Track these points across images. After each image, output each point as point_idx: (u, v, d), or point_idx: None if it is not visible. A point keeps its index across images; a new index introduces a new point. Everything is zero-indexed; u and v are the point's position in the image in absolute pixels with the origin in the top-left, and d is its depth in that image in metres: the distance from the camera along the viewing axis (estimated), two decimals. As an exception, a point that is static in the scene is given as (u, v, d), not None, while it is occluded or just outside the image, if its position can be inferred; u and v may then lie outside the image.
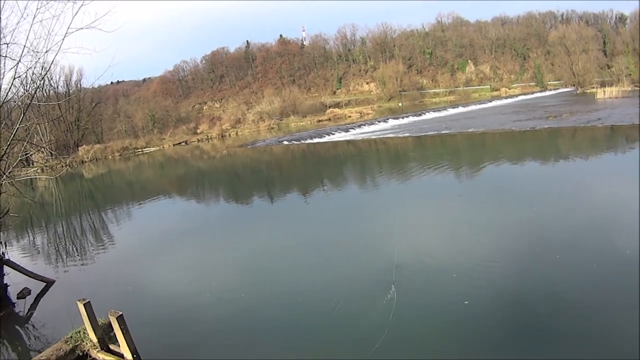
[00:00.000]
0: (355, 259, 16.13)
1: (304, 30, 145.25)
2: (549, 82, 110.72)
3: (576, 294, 11.79)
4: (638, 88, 74.34)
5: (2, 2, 14.33)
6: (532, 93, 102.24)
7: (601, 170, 26.78)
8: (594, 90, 77.58)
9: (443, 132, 52.54)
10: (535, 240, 15.67)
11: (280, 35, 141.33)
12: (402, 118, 72.46)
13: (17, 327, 14.28)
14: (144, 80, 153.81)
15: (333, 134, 62.57)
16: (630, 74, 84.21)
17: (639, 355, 8.59)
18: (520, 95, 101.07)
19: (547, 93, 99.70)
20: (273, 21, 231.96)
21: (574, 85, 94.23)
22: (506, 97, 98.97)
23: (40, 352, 11.48)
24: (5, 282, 16.14)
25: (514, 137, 43.85)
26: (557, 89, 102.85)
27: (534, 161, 31.08)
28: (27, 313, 15.20)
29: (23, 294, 16.34)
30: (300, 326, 12.05)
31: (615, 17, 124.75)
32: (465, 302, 11.86)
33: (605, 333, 9.90)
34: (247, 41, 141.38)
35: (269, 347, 11.23)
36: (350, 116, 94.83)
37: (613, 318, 10.37)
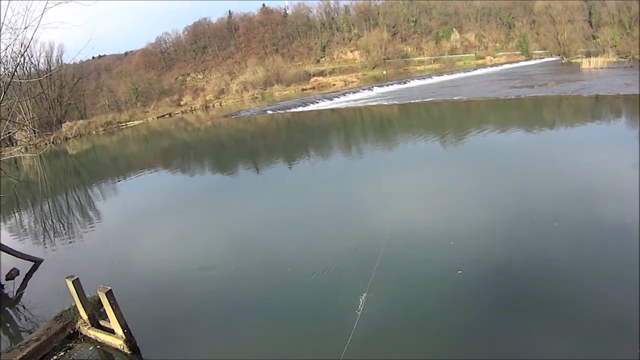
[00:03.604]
0: (346, 228, 16.20)
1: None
2: (534, 51, 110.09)
3: (576, 260, 11.98)
4: (623, 59, 74.47)
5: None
6: (518, 62, 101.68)
7: (590, 139, 26.74)
8: (579, 60, 78.09)
9: (428, 99, 52.54)
10: (531, 207, 15.76)
11: (263, 5, 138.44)
12: (387, 86, 72.13)
13: (7, 308, 14.25)
14: (126, 53, 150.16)
15: (317, 103, 62.37)
16: (615, 45, 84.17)
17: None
18: (505, 63, 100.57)
19: (533, 62, 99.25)
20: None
21: (559, 55, 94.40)
22: (491, 66, 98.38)
23: (31, 333, 11.52)
24: (-8, 263, 16.04)
25: (500, 106, 43.97)
26: (543, 58, 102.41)
27: (522, 129, 30.88)
28: (16, 294, 15.17)
29: (12, 274, 16.27)
30: (289, 297, 12.15)
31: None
32: (459, 272, 12.02)
33: (604, 300, 10.08)
34: (230, 11, 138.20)
35: (257, 319, 11.36)
36: (334, 84, 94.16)
37: (610, 285, 10.57)
